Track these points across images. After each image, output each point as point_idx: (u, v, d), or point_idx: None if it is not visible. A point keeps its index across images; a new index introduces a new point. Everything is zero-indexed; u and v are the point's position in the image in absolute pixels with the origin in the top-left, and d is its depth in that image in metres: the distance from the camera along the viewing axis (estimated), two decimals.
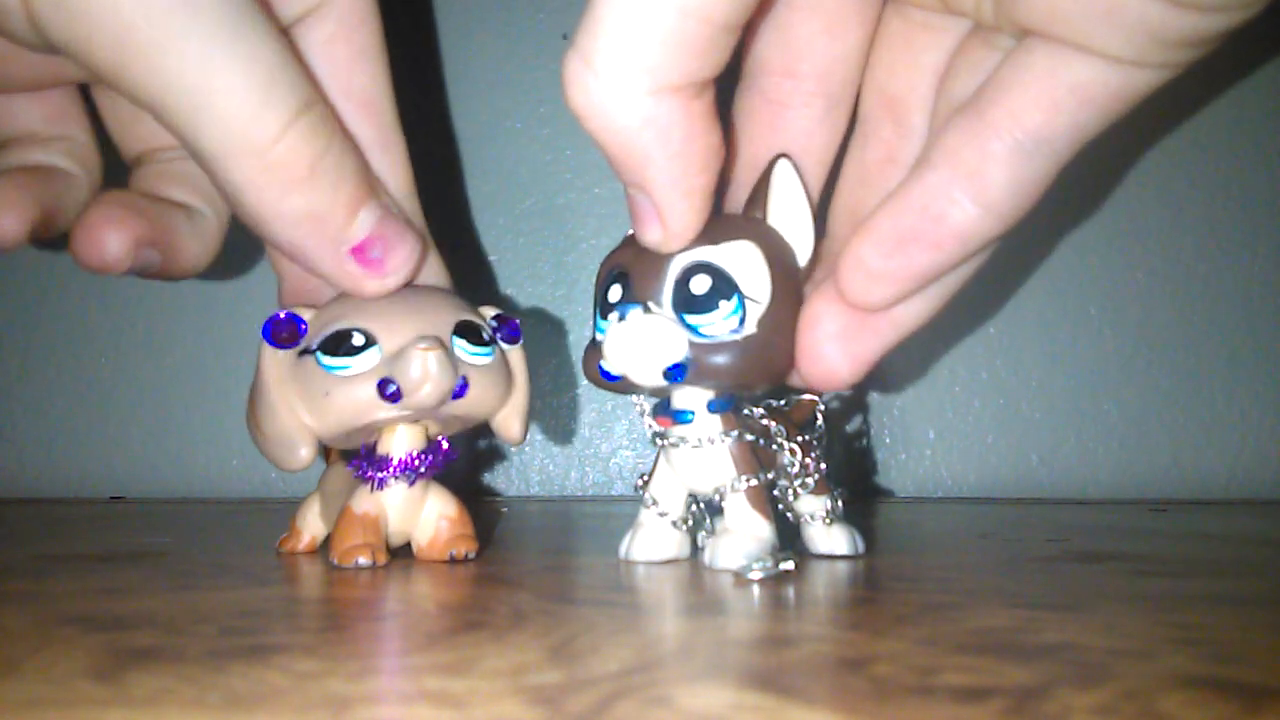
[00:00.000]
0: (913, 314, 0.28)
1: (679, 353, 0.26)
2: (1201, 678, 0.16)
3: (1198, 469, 0.55)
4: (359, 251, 0.26)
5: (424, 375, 0.26)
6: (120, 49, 0.22)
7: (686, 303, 0.26)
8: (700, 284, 0.26)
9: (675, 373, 0.26)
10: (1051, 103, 0.23)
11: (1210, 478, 0.55)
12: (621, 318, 0.26)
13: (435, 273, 0.31)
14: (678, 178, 0.24)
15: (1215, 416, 0.55)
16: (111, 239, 0.27)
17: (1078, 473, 0.55)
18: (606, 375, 0.27)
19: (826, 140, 0.29)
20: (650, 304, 0.27)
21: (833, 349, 0.27)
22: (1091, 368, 0.55)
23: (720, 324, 0.26)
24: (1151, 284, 0.56)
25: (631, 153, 0.24)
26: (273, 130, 0.24)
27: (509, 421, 0.30)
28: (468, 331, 0.28)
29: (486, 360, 0.29)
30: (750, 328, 0.27)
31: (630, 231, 0.29)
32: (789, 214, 0.28)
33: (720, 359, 0.26)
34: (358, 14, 0.29)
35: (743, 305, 0.27)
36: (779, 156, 0.28)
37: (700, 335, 0.26)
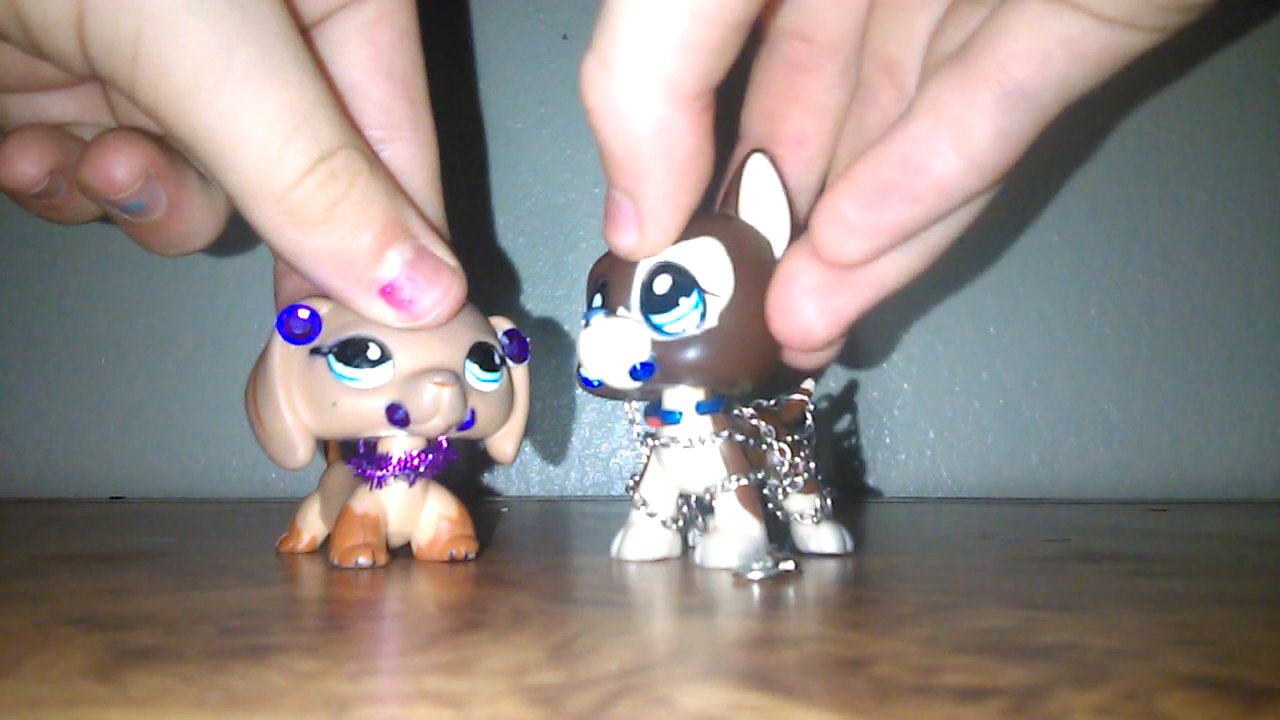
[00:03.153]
0: (893, 272, 0.27)
1: (642, 352, 0.27)
2: (1201, 678, 0.16)
3: (1198, 469, 0.55)
4: (388, 292, 0.26)
5: (435, 409, 0.26)
6: (157, 91, 0.24)
7: (650, 304, 0.27)
8: (662, 284, 0.27)
9: (642, 371, 0.27)
10: (1042, 54, 0.23)
11: (1210, 478, 0.55)
12: (586, 323, 0.27)
13: None
14: (671, 191, 0.25)
15: (1215, 416, 0.55)
16: (122, 159, 0.28)
17: (1078, 473, 0.55)
18: (586, 381, 0.28)
19: (839, 99, 0.30)
20: (620, 308, 0.27)
21: (808, 305, 0.26)
22: (1091, 368, 0.55)
23: (683, 321, 0.27)
24: (1151, 284, 0.56)
25: (635, 160, 0.24)
26: (290, 177, 0.25)
27: (503, 443, 0.30)
28: (481, 355, 0.28)
29: (494, 387, 0.29)
30: (711, 321, 0.27)
31: None
32: (763, 207, 0.28)
33: (684, 354, 0.27)
34: None
35: (703, 300, 0.27)
36: (753, 151, 0.28)
37: (666, 334, 0.27)
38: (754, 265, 0.27)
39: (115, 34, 0.23)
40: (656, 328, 0.27)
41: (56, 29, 0.23)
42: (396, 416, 0.27)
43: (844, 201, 0.25)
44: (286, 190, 0.25)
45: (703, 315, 0.27)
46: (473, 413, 0.28)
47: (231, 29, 0.23)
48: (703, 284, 0.27)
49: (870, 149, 0.25)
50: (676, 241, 0.27)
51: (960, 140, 0.24)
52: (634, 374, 0.27)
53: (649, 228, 0.26)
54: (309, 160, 0.25)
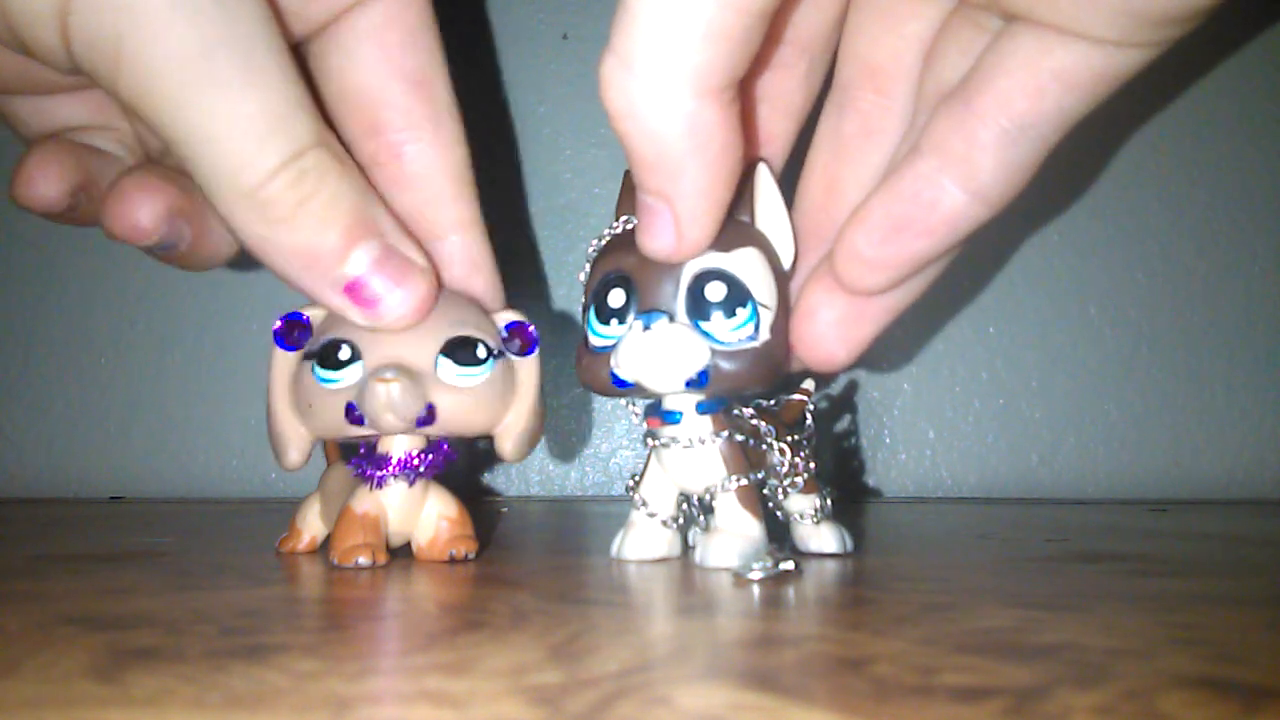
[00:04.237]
0: (901, 296, 0.28)
1: (702, 361, 0.26)
2: (1201, 678, 0.16)
3: (1198, 469, 0.55)
4: (352, 289, 0.27)
5: (385, 405, 0.26)
6: (138, 87, 0.24)
7: (703, 310, 0.27)
8: (715, 291, 0.27)
9: (700, 380, 0.27)
10: (1036, 89, 0.24)
11: (1210, 478, 0.55)
12: (646, 327, 0.26)
13: (482, 276, 0.31)
14: (706, 188, 0.25)
15: (1215, 416, 0.55)
16: (144, 206, 0.28)
17: (1078, 473, 0.55)
18: (619, 382, 0.27)
19: (805, 98, 0.30)
20: (663, 312, 0.27)
21: (831, 335, 0.28)
22: (1091, 368, 0.55)
23: (737, 331, 0.27)
24: (1151, 284, 0.56)
25: (666, 159, 0.24)
26: (260, 175, 0.25)
27: (502, 438, 0.30)
28: (458, 349, 0.28)
29: (473, 382, 0.28)
30: (764, 334, 0.27)
31: (611, 230, 0.29)
32: (772, 218, 0.28)
33: (735, 366, 0.27)
34: None
35: (756, 313, 0.27)
36: (757, 161, 0.28)
37: (715, 342, 0.27)
38: (782, 278, 0.28)
39: (98, 31, 0.23)
40: (705, 335, 0.27)
41: (41, 24, 0.23)
42: (354, 415, 0.27)
43: (860, 238, 0.26)
44: (257, 187, 0.25)
45: (757, 327, 0.27)
46: (430, 407, 0.27)
47: (215, 30, 0.23)
48: (756, 295, 0.27)
49: (882, 186, 0.26)
50: (727, 249, 0.27)
51: (966, 176, 0.25)
52: (690, 383, 0.27)
53: (688, 228, 0.25)
54: (281, 159, 0.25)
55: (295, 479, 0.53)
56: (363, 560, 0.27)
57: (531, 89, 0.55)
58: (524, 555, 0.31)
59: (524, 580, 0.26)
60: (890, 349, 0.56)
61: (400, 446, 0.28)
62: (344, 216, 0.26)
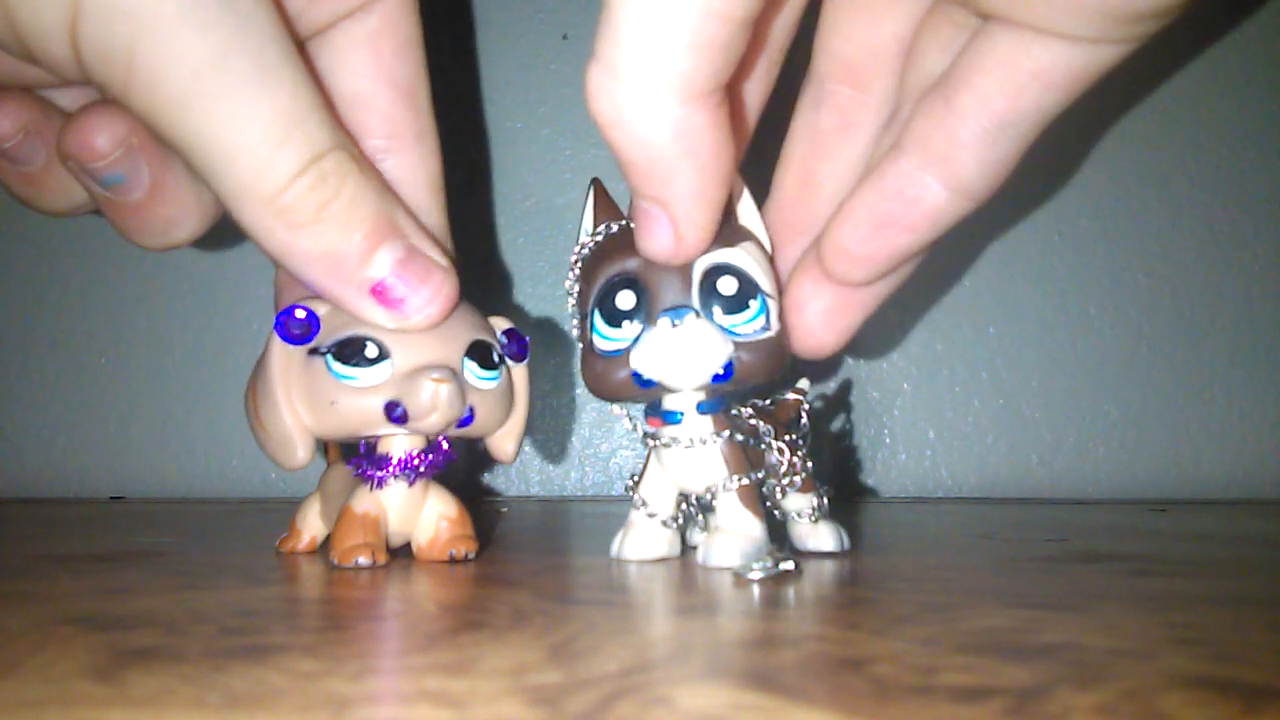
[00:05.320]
0: (885, 286, 0.29)
1: (726, 354, 0.27)
2: (1201, 678, 0.16)
3: (1198, 469, 0.55)
4: (379, 291, 0.26)
5: (433, 405, 0.26)
6: (151, 98, 0.24)
7: (719, 304, 0.27)
8: (727, 285, 0.27)
9: (724, 375, 0.27)
10: (1015, 88, 0.24)
11: (1210, 478, 0.55)
12: (674, 324, 0.26)
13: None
14: (700, 191, 0.25)
15: (1215, 416, 0.55)
16: (104, 129, 0.27)
17: (1078, 473, 0.55)
18: (642, 381, 0.27)
19: (763, 90, 0.30)
20: (685, 309, 0.27)
21: (820, 324, 0.29)
22: (1091, 368, 0.55)
23: (750, 324, 0.27)
24: (1151, 284, 0.56)
25: (658, 165, 0.24)
26: (282, 180, 0.25)
27: (503, 442, 0.30)
28: (479, 353, 0.28)
29: (493, 385, 0.29)
30: (775, 324, 0.28)
31: (593, 238, 0.29)
32: (750, 214, 0.29)
33: (753, 357, 0.27)
34: (403, 6, 0.29)
35: (765, 305, 0.27)
36: None
37: (734, 335, 0.27)
38: (774, 271, 0.29)
39: (109, 42, 0.23)
40: (723, 329, 0.27)
41: (50, 36, 0.23)
42: (395, 414, 0.27)
43: (845, 235, 0.27)
44: (278, 193, 0.25)
45: (768, 318, 0.27)
46: (471, 410, 0.28)
47: (228, 37, 0.23)
48: (762, 287, 0.27)
49: (865, 183, 0.27)
50: (731, 244, 0.27)
51: (948, 174, 0.26)
52: (716, 378, 0.27)
53: (686, 230, 0.25)
54: (301, 163, 0.25)
55: (295, 479, 0.53)
56: (363, 560, 0.27)
57: (531, 89, 0.55)
58: (524, 555, 0.31)
59: (524, 580, 0.26)
60: (890, 349, 0.56)
61: (400, 446, 0.28)
62: (367, 218, 0.26)
